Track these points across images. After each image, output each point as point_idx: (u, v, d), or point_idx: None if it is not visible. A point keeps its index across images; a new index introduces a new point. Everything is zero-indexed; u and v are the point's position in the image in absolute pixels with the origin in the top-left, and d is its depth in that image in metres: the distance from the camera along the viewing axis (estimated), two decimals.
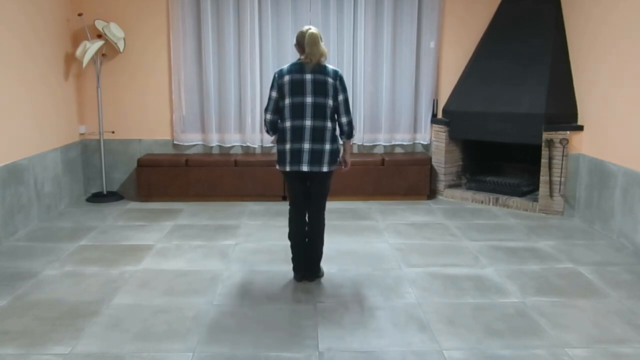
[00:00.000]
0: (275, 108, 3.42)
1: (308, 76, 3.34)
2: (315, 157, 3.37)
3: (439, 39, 5.93)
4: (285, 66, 3.42)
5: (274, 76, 3.40)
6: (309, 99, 3.34)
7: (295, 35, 3.44)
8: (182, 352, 2.70)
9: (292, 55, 5.76)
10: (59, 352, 2.70)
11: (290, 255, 3.63)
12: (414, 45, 5.88)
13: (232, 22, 5.79)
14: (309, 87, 3.33)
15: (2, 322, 3.00)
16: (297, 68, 3.36)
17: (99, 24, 5.53)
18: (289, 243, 3.56)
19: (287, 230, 4.66)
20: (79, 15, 5.56)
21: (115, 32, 5.54)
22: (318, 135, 3.36)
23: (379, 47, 5.91)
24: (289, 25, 5.78)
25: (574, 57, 5.22)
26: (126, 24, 5.75)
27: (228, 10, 5.74)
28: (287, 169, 3.41)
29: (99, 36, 5.55)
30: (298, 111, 3.34)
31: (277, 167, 3.48)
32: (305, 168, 3.37)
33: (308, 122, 3.35)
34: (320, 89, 3.34)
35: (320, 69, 3.36)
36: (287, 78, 3.34)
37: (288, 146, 3.39)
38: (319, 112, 3.35)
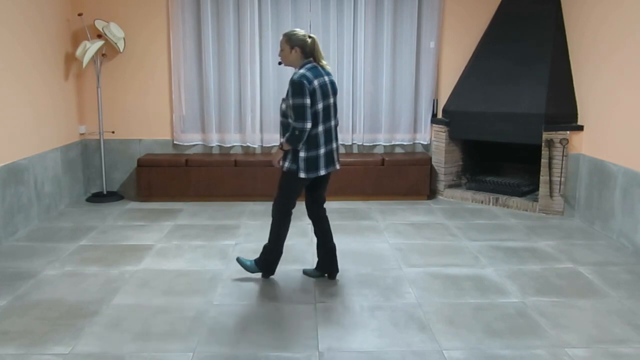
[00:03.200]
0: (312, 114, 3.26)
1: (326, 78, 3.37)
2: (338, 154, 3.54)
3: (439, 39, 5.93)
4: (304, 72, 3.28)
5: (303, 83, 3.20)
6: (331, 100, 3.40)
7: (290, 39, 3.33)
8: (182, 352, 2.71)
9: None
10: (59, 352, 2.70)
11: (267, 258, 3.60)
12: (414, 45, 5.88)
13: (232, 22, 5.79)
14: (330, 89, 3.38)
15: (2, 322, 3.00)
16: (317, 72, 3.33)
17: (99, 24, 5.54)
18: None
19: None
20: (79, 15, 5.56)
21: (115, 32, 5.54)
22: (337, 133, 3.52)
23: (379, 47, 5.91)
24: (289, 25, 5.77)
25: (574, 56, 5.22)
26: (126, 24, 5.75)
27: (228, 10, 5.74)
28: (321, 172, 3.39)
29: (99, 36, 5.55)
30: (327, 113, 3.37)
31: (304, 175, 3.32)
32: (337, 166, 3.52)
33: (332, 122, 3.43)
34: (334, 89, 3.43)
35: (328, 71, 3.43)
36: (316, 83, 3.27)
37: (322, 150, 3.37)
38: (335, 111, 3.46)
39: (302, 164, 3.32)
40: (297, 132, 3.22)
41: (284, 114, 3.35)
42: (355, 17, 5.83)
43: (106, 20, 5.62)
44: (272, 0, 5.75)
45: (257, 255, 3.67)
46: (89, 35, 5.55)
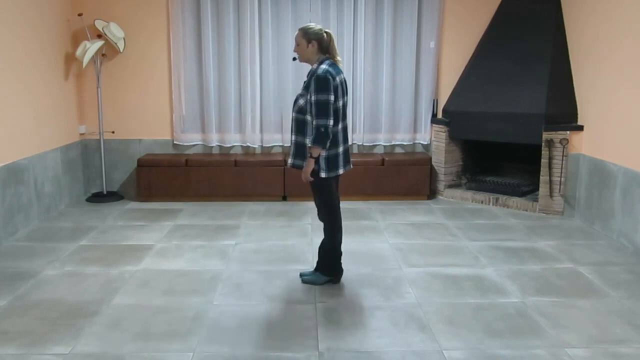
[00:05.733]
0: (333, 112, 3.19)
1: (342, 76, 3.32)
2: (350, 153, 3.49)
3: (439, 39, 5.93)
4: (327, 67, 3.20)
5: (329, 78, 3.14)
6: (345, 99, 3.34)
7: (307, 33, 3.25)
8: (182, 352, 2.71)
9: (292, 55, 5.76)
10: (59, 352, 2.70)
11: (331, 262, 3.53)
12: (414, 45, 5.88)
13: (232, 22, 5.79)
14: (345, 88, 3.32)
15: (2, 322, 3.00)
16: (337, 69, 3.26)
17: (99, 24, 5.54)
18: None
19: (288, 229, 4.68)
20: (79, 15, 5.56)
21: (115, 32, 5.54)
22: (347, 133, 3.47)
23: (379, 47, 5.91)
24: (289, 25, 5.78)
25: (574, 56, 5.22)
26: (126, 24, 5.75)
27: (228, 10, 5.74)
28: (340, 171, 3.36)
29: (99, 36, 5.55)
30: (343, 112, 3.31)
31: (325, 174, 3.27)
32: (351, 165, 3.48)
33: (345, 121, 3.36)
34: (347, 88, 3.36)
35: (341, 69, 3.34)
36: (338, 79, 3.22)
37: (341, 149, 3.33)
38: (346, 111, 3.39)
39: (323, 164, 3.26)
40: (322, 130, 3.13)
41: (300, 110, 3.24)
42: (355, 17, 5.83)
43: (106, 20, 5.62)
44: (272, 0, 5.75)
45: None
46: (89, 35, 5.55)
